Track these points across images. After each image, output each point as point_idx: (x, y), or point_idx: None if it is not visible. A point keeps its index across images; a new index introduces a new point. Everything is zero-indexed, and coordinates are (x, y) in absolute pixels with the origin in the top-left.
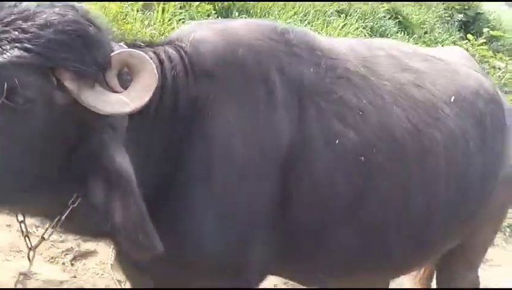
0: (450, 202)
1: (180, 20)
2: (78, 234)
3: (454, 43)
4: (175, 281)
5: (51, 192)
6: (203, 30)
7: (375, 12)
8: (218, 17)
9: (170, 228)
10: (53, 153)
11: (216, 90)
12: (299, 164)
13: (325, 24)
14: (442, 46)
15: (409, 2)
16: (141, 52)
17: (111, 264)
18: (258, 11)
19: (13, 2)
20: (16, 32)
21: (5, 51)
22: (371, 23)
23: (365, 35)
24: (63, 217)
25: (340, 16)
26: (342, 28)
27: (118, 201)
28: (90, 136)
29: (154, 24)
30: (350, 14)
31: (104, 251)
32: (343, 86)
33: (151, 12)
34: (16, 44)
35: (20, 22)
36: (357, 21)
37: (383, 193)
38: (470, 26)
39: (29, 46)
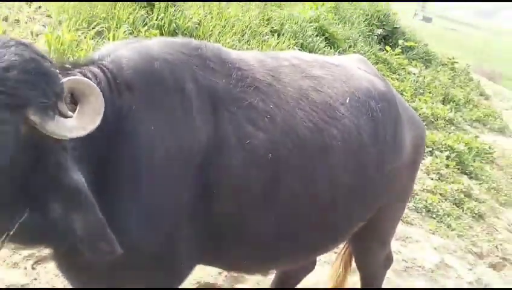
0: (351, 188)
1: None
2: (26, 246)
3: (374, 54)
4: (112, 276)
5: (4, 210)
6: (121, 49)
7: (304, 31)
8: None
9: None
10: (11, 176)
11: (137, 101)
12: (216, 162)
13: (261, 43)
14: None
15: (334, 21)
16: (85, 78)
17: None
18: (201, 34)
19: None
20: None
21: None
22: (301, 41)
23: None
24: (11, 233)
25: (273, 35)
26: (276, 46)
27: (78, 214)
28: (47, 158)
29: None
30: (283, 34)
31: None
32: (252, 93)
33: (104, 40)
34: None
35: None
36: (288, 40)
37: (292, 185)
38: (389, 39)
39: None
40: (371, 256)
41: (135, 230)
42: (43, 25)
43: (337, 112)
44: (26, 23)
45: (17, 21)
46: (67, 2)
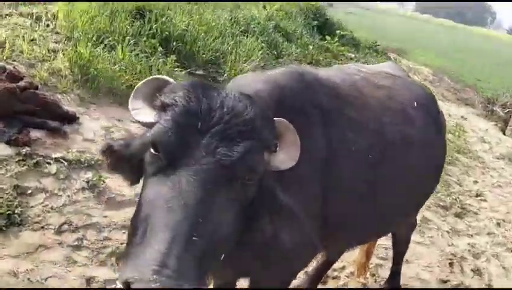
0: (422, 177)
1: (134, 53)
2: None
3: (318, 43)
4: (269, 276)
5: (230, 244)
6: (257, 83)
7: (266, 29)
8: (160, 46)
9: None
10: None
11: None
12: (332, 168)
13: (237, 42)
14: (312, 47)
15: (283, 17)
16: (283, 119)
17: None
18: (189, 39)
19: (216, 101)
20: (239, 127)
21: (239, 143)
22: (266, 38)
23: (263, 47)
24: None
25: (244, 35)
26: (250, 44)
27: (289, 228)
28: (261, 186)
29: (120, 62)
30: (250, 33)
31: None
32: (348, 107)
33: (114, 52)
34: (244, 136)
35: (236, 119)
36: (257, 38)
37: (385, 178)
38: (323, 29)
39: (253, 135)
40: (405, 226)
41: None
42: (55, 42)
43: (409, 115)
44: (41, 41)
45: (33, 40)
46: (76, 20)
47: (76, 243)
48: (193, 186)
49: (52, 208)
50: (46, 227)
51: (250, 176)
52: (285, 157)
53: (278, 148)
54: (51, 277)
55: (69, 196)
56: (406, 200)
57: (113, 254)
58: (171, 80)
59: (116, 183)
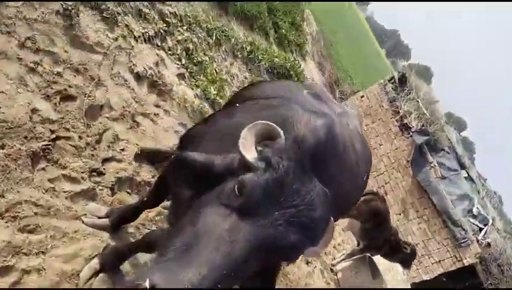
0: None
1: None
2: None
3: None
4: None
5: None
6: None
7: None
8: None
9: None
10: None
11: None
12: None
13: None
14: None
15: None
16: None
17: None
18: None
19: (304, 188)
20: (305, 220)
21: (297, 233)
22: None
23: None
24: None
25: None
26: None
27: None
28: None
29: None
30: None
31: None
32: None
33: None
34: (304, 230)
35: (307, 212)
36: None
37: None
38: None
39: (310, 234)
40: None
41: None
42: None
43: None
44: None
45: None
46: None
47: (32, 65)
48: (247, 239)
49: (24, 17)
50: (13, 35)
51: (285, 258)
52: (314, 249)
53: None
54: (2, 92)
55: (43, 12)
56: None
57: (58, 93)
58: (280, 132)
59: (92, 29)
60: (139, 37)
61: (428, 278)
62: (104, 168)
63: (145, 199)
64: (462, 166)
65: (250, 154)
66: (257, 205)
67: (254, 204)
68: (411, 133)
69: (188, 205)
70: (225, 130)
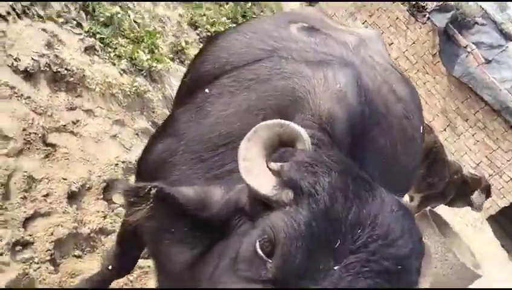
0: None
1: None
2: None
3: None
4: None
5: None
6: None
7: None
8: None
9: None
10: None
11: None
12: None
13: None
14: None
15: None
16: None
17: None
18: None
19: (369, 212)
20: (387, 264)
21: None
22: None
23: None
24: None
25: None
26: None
27: None
28: None
29: None
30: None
31: None
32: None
33: None
34: (390, 279)
35: (386, 249)
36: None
37: None
38: None
39: (399, 282)
40: None
41: None
42: None
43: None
44: None
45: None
46: None
47: None
48: None
49: None
50: None
51: None
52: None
53: None
54: None
55: None
56: None
57: None
58: (300, 131)
59: None
60: (8, 14)
61: (506, 204)
62: (29, 235)
63: (110, 267)
64: (507, 36)
65: (264, 182)
66: (301, 267)
67: (296, 268)
68: (427, 15)
69: (185, 276)
70: (205, 141)
